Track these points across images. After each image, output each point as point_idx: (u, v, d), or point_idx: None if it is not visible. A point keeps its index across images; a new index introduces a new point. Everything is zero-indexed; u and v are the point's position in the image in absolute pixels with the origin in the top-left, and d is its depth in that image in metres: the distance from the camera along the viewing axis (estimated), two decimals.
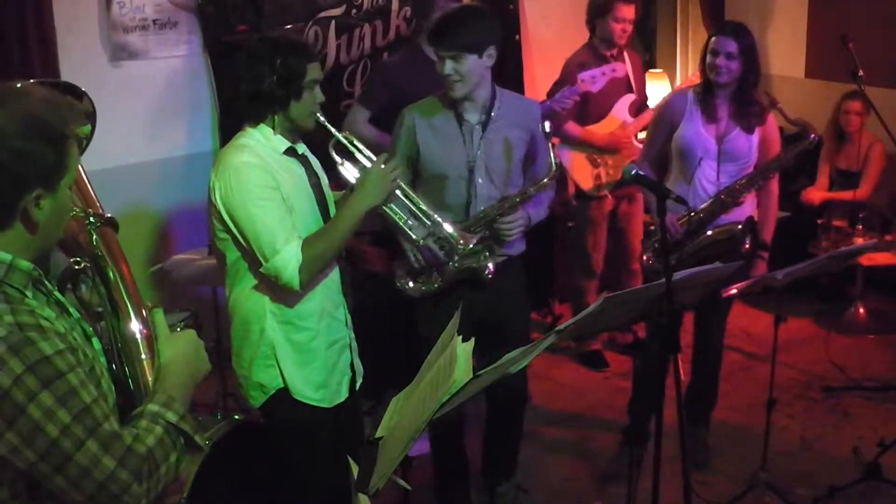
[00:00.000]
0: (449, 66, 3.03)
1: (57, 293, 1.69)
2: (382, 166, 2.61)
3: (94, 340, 1.73)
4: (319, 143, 2.77)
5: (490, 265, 3.12)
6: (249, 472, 3.26)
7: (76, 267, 1.85)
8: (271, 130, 2.62)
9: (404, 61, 4.26)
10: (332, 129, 2.69)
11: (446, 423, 3.22)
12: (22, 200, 1.53)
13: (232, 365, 2.80)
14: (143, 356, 1.81)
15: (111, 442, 1.52)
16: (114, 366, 1.84)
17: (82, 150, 1.89)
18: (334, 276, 2.74)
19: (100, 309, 1.87)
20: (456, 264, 3.10)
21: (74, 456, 1.49)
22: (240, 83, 2.60)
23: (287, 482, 2.89)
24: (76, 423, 1.49)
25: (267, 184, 2.54)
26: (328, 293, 2.72)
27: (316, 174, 2.76)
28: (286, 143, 2.65)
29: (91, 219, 1.84)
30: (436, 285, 3.16)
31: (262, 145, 2.61)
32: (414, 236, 2.68)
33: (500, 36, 3.15)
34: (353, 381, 2.86)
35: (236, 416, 3.38)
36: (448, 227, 2.76)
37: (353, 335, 2.87)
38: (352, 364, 2.86)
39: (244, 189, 2.52)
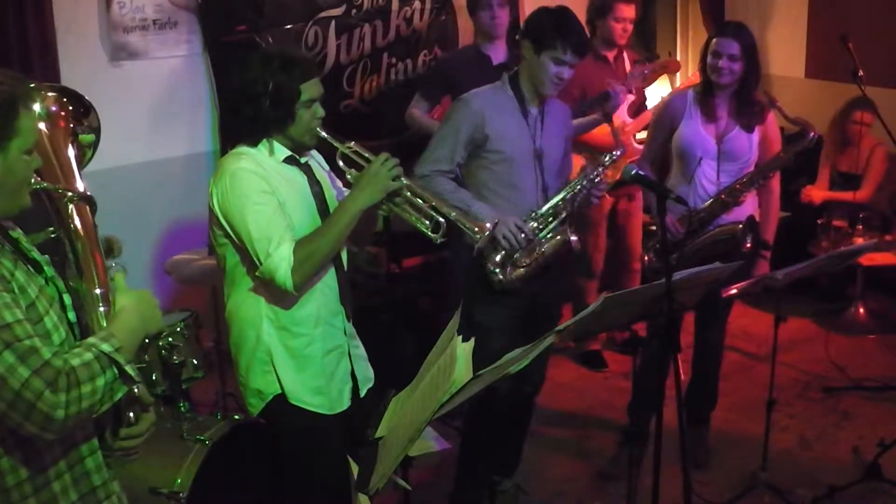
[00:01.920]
0: (568, 73, 3.22)
1: (25, 244, 1.89)
2: (380, 165, 2.58)
3: (66, 296, 1.92)
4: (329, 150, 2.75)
5: (573, 237, 3.25)
6: (249, 472, 3.26)
7: (52, 235, 2.08)
8: (269, 150, 2.62)
9: (459, 56, 4.52)
10: (336, 143, 2.65)
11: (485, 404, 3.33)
12: None
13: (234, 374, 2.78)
14: (101, 308, 1.97)
15: (28, 354, 1.67)
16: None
17: (88, 160, 2.17)
18: (331, 283, 2.71)
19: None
20: (544, 248, 3.23)
21: None
22: (238, 105, 2.60)
23: (289, 486, 2.87)
24: None
25: (262, 188, 2.53)
26: (324, 300, 2.70)
27: (318, 183, 2.72)
28: (286, 152, 2.64)
29: (69, 194, 2.06)
30: (525, 272, 3.24)
31: (262, 154, 2.61)
32: (430, 235, 2.65)
33: None
34: (356, 389, 2.83)
35: (236, 416, 3.38)
36: (463, 219, 2.74)
37: (354, 343, 2.84)
38: (353, 372, 2.82)
39: (239, 193, 2.52)
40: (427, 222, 2.64)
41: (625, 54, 4.74)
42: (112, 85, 4.44)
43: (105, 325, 1.92)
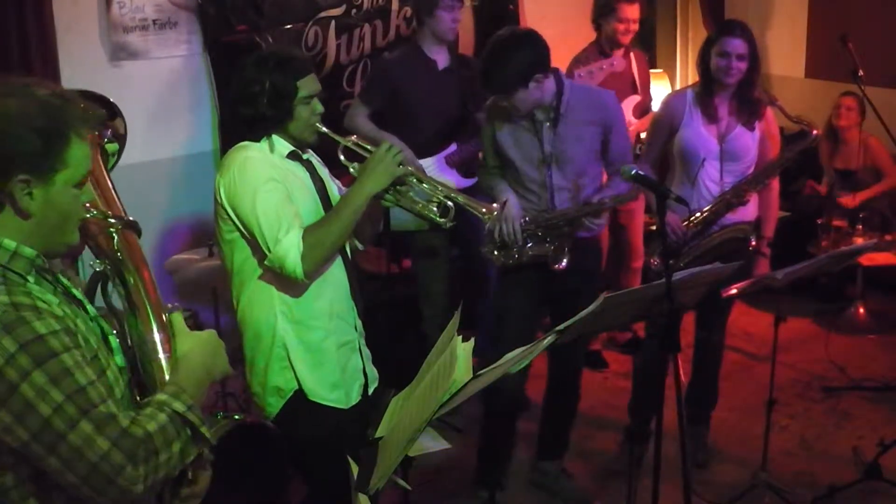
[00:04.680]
0: (505, 101, 3.28)
1: (66, 282, 1.72)
2: (385, 152, 2.59)
3: (112, 338, 1.74)
4: (329, 149, 2.76)
5: (564, 261, 3.36)
6: (249, 471, 3.26)
7: (97, 269, 1.89)
8: (270, 147, 2.64)
9: (403, 60, 4.32)
10: (337, 137, 2.68)
11: (505, 395, 3.49)
12: (8, 183, 1.56)
13: (247, 380, 2.76)
14: (161, 355, 1.81)
15: (106, 423, 1.52)
16: (141, 370, 1.85)
17: (111, 167, 2.01)
18: (341, 277, 2.72)
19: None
20: (531, 250, 3.37)
21: (67, 436, 1.50)
22: (237, 107, 2.63)
23: (294, 485, 2.86)
24: (69, 403, 1.50)
25: (270, 176, 2.55)
26: (336, 295, 2.70)
27: (321, 179, 2.75)
28: (289, 148, 2.65)
29: (112, 221, 1.88)
30: (511, 261, 3.39)
31: (265, 149, 2.63)
32: (439, 220, 2.66)
33: (545, 56, 3.27)
34: (365, 386, 2.83)
35: (236, 416, 3.38)
36: (470, 202, 2.74)
37: (363, 341, 2.85)
38: (364, 370, 2.83)
39: (248, 181, 2.53)
40: (434, 208, 2.65)
41: (632, 54, 4.74)
42: (112, 85, 4.43)
43: (168, 375, 1.76)
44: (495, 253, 3.41)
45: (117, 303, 1.91)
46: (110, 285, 1.91)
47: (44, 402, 1.49)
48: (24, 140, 1.55)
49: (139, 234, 1.94)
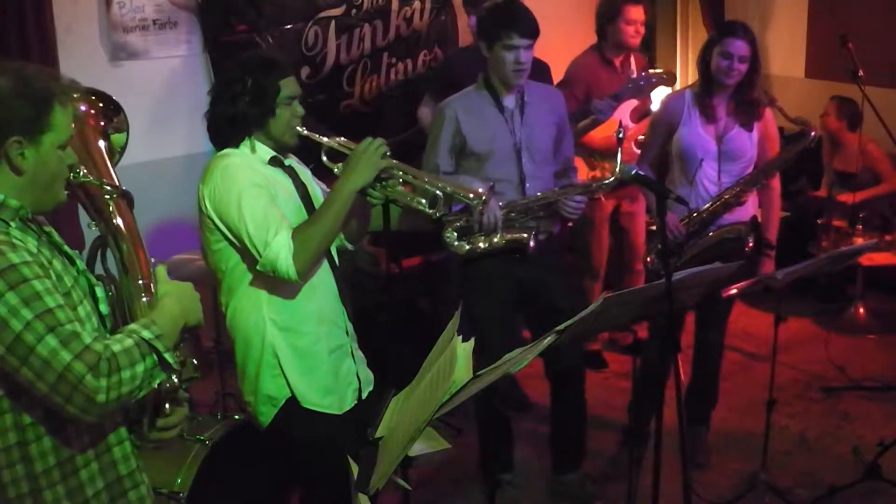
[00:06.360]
0: (524, 55, 3.27)
1: (58, 239, 1.94)
2: (368, 145, 2.57)
3: (98, 289, 1.97)
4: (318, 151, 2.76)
5: (532, 242, 3.32)
6: (249, 471, 3.26)
7: (92, 227, 2.18)
8: (251, 148, 2.63)
9: (465, 56, 4.48)
10: (318, 138, 2.66)
11: (497, 393, 3.51)
12: (4, 144, 1.80)
13: (239, 387, 2.75)
14: (144, 299, 2.10)
15: (70, 339, 1.71)
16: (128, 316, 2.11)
17: (116, 162, 2.32)
18: (329, 281, 2.71)
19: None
20: (506, 235, 3.32)
21: (35, 348, 1.70)
22: (218, 106, 2.64)
23: (292, 488, 2.85)
24: (38, 321, 1.70)
25: (254, 181, 2.54)
26: (325, 299, 2.69)
27: (303, 184, 2.73)
28: (270, 153, 2.65)
29: (108, 188, 2.13)
30: (479, 248, 3.34)
31: (247, 156, 2.62)
32: (428, 211, 2.65)
33: None
34: (359, 391, 2.82)
35: (236, 416, 3.38)
36: (458, 189, 2.73)
37: (355, 345, 2.84)
38: (357, 374, 2.81)
39: (232, 188, 2.52)
40: (423, 200, 2.64)
41: (632, 58, 4.73)
42: (112, 85, 4.36)
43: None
44: (457, 243, 3.33)
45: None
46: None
47: (15, 319, 1.69)
48: (18, 108, 1.79)
49: (132, 204, 2.18)
